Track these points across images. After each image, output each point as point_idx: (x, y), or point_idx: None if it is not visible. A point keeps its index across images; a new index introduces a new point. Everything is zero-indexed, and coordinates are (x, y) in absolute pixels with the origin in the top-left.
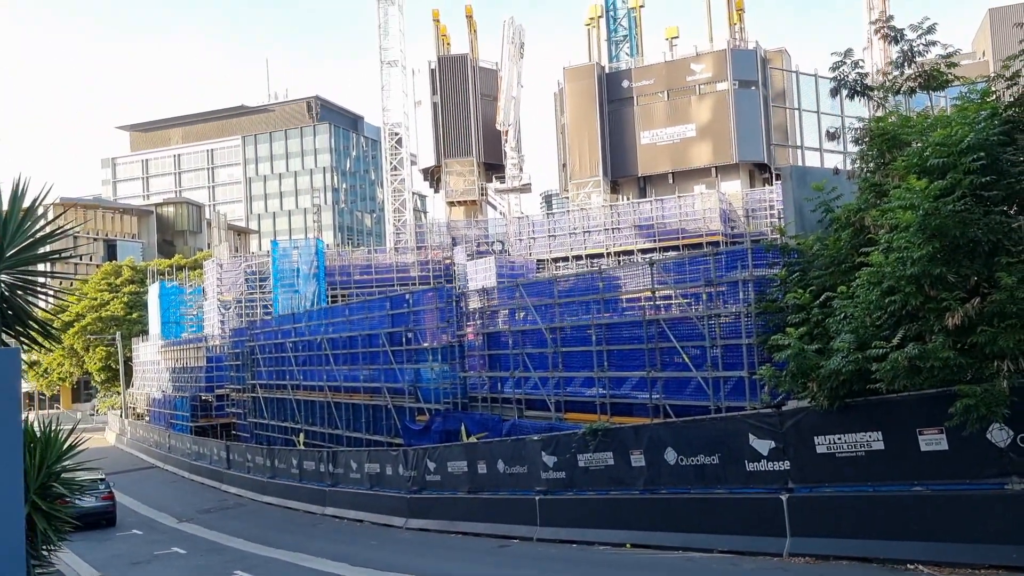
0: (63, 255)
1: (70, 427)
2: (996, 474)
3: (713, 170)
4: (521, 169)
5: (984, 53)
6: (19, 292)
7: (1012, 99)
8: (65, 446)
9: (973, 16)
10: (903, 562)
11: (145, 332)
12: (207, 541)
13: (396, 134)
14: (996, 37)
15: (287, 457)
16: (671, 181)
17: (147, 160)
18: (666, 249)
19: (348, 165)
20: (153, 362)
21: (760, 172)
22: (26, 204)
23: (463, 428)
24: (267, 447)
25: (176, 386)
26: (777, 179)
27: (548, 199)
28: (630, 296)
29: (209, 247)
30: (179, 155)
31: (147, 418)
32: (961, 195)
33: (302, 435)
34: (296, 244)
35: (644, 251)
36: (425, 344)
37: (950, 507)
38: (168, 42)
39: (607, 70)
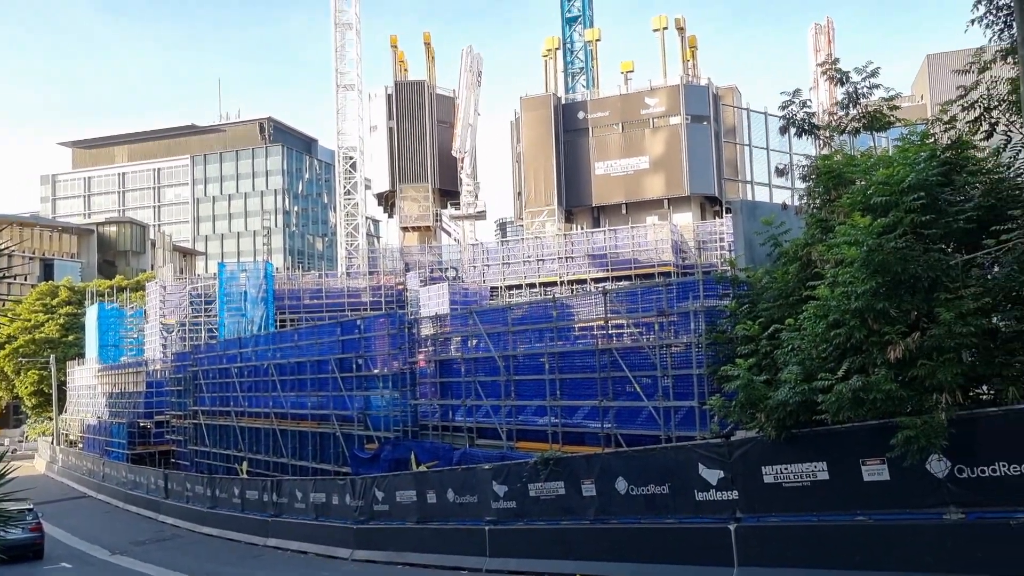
0: None
1: None
2: (935, 504)
3: (665, 202)
4: (476, 196)
5: (922, 97)
6: None
7: (949, 142)
8: None
9: (912, 61)
10: None
11: (81, 355)
12: (142, 575)
13: (351, 158)
14: (933, 82)
15: (229, 486)
16: (624, 212)
17: (89, 178)
18: (619, 279)
19: (300, 188)
20: (89, 387)
21: (711, 205)
22: None
23: (413, 457)
24: (208, 476)
25: (113, 412)
26: (727, 212)
27: (502, 226)
28: (583, 325)
29: (153, 268)
30: (124, 173)
31: (80, 445)
32: (902, 232)
33: (245, 463)
34: (244, 267)
35: (597, 280)
36: (376, 371)
37: (891, 536)
38: (116, 58)
39: (563, 101)
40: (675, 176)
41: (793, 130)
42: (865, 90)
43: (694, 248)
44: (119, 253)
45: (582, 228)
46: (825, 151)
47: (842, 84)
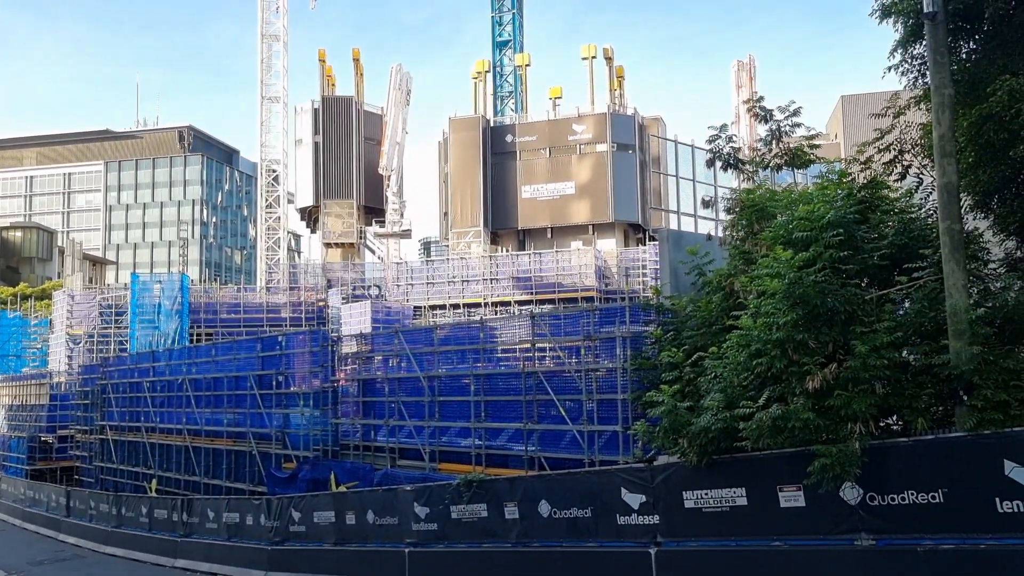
0: None
1: None
2: (847, 530)
3: (590, 227)
4: (402, 215)
5: (836, 135)
6: None
7: (865, 181)
8: None
9: (828, 99)
10: None
11: None
12: None
13: (274, 171)
14: (847, 121)
15: (136, 505)
16: (550, 236)
17: None
18: (542, 302)
19: (220, 199)
20: None
21: (634, 232)
22: None
23: (332, 477)
24: (113, 493)
25: (12, 425)
26: (651, 240)
27: (427, 246)
28: (507, 347)
29: (60, 276)
30: (32, 177)
31: None
32: (822, 267)
33: (155, 481)
34: (159, 278)
35: (521, 303)
36: (296, 389)
37: (806, 562)
38: (26, 55)
39: (492, 124)
40: (600, 202)
41: (719, 164)
42: (788, 128)
43: (617, 274)
44: (24, 259)
45: (507, 250)
46: (748, 185)
47: (766, 121)
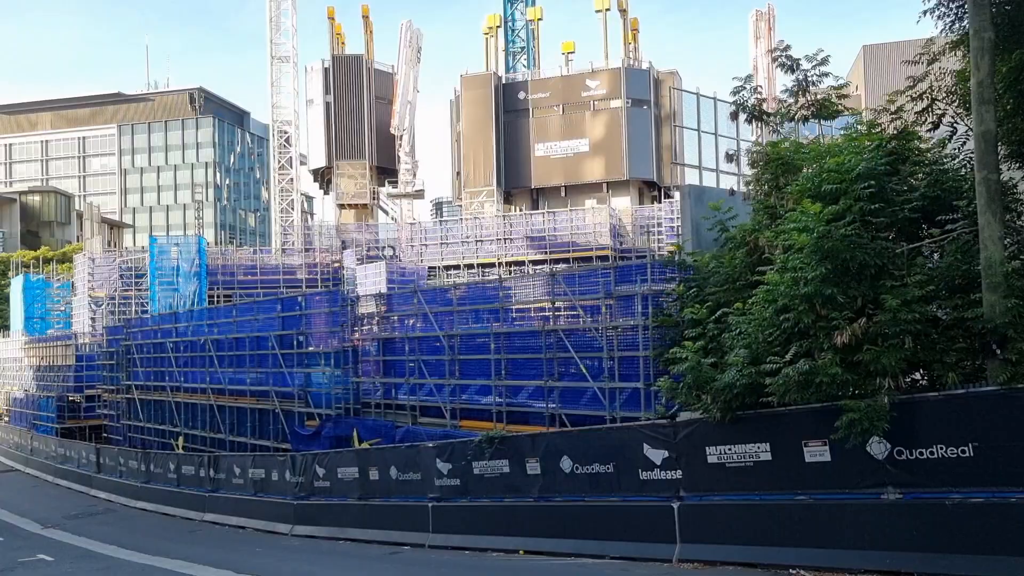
0: None
1: None
2: (873, 484)
3: (604, 185)
4: (415, 175)
5: (857, 87)
6: None
7: (895, 132)
8: None
9: (849, 50)
10: (786, 567)
11: (6, 327)
12: (76, 548)
13: (285, 132)
14: (869, 72)
15: (164, 461)
16: (563, 194)
17: (10, 144)
18: (556, 261)
19: (232, 161)
20: (14, 359)
21: (649, 189)
22: None
23: (355, 434)
24: (142, 450)
25: (41, 385)
26: (666, 197)
27: (439, 206)
28: (524, 306)
29: (79, 240)
30: (47, 141)
31: (6, 419)
32: (851, 220)
33: (181, 439)
34: (176, 241)
35: (535, 262)
36: (317, 348)
37: (831, 515)
38: (37, 19)
39: (504, 80)
40: (615, 160)
41: (743, 116)
42: (815, 78)
43: (632, 232)
44: (43, 223)
45: (521, 209)
46: (771, 138)
47: (792, 71)
